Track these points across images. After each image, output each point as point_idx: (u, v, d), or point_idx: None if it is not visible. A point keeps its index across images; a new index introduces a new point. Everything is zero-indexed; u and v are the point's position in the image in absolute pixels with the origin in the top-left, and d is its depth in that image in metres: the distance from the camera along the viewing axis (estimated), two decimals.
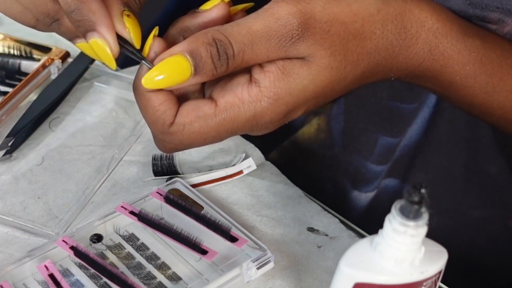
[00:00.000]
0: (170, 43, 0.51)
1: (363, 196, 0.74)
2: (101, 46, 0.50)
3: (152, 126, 0.51)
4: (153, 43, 0.50)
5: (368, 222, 0.72)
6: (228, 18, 0.53)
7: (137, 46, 0.51)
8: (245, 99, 0.50)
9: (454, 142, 0.69)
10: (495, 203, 0.71)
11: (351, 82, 0.52)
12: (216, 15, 0.52)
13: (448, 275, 0.48)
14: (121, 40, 0.51)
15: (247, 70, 0.51)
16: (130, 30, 0.51)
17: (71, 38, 0.52)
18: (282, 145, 0.79)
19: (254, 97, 0.49)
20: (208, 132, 0.50)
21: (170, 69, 0.48)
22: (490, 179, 0.70)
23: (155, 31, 0.51)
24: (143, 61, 0.50)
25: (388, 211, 0.43)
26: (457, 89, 0.56)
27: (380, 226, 0.44)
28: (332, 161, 0.75)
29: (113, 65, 0.51)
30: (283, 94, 0.50)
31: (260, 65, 0.50)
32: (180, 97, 0.53)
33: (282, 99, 0.50)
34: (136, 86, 0.51)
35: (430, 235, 0.43)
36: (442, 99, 0.65)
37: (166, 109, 0.50)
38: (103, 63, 0.52)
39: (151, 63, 0.50)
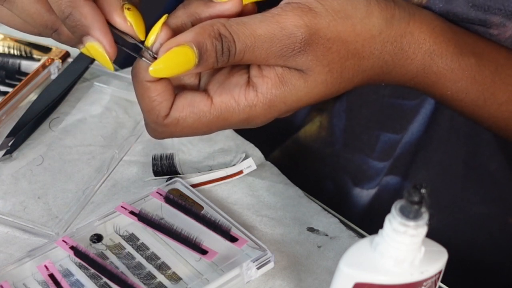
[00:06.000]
0: (178, 26, 0.51)
1: (365, 193, 0.75)
2: (97, 49, 0.50)
3: (146, 114, 0.52)
4: (160, 32, 0.50)
5: (369, 220, 0.72)
6: (240, 13, 0.53)
7: (142, 38, 0.51)
8: (241, 102, 0.51)
9: (454, 138, 0.70)
10: (494, 200, 0.71)
11: (342, 92, 0.54)
12: (230, 9, 0.52)
13: (448, 275, 0.48)
14: (122, 35, 0.51)
15: (246, 68, 0.52)
16: (133, 23, 0.50)
17: (74, 44, 0.52)
18: (284, 144, 0.79)
19: (250, 101, 0.51)
20: (200, 127, 0.52)
21: (176, 59, 0.49)
22: (490, 176, 0.70)
23: (164, 18, 0.51)
24: (143, 59, 0.50)
25: (389, 209, 0.43)
26: (448, 101, 0.58)
27: (381, 225, 0.44)
28: (333, 158, 0.76)
29: (110, 67, 0.51)
30: (278, 102, 0.51)
31: (259, 67, 0.51)
32: (176, 81, 0.53)
33: (276, 106, 0.51)
34: (135, 73, 0.51)
35: (430, 234, 0.43)
36: None
37: (163, 101, 0.51)
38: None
39: (156, 52, 0.50)
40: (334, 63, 0.51)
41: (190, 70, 0.49)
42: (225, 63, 0.49)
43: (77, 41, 0.51)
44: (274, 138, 0.79)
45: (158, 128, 0.52)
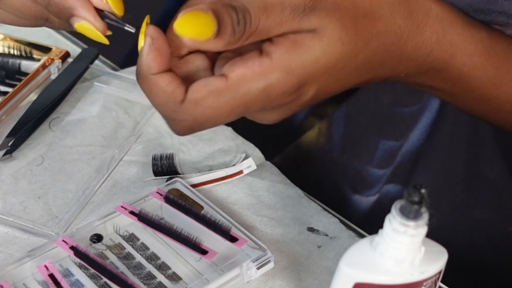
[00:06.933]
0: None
1: (365, 201, 0.74)
2: (86, 28, 0.50)
3: (162, 108, 0.50)
4: (147, 29, 0.49)
5: (369, 227, 0.72)
6: None
7: (120, 14, 0.50)
8: (256, 70, 0.48)
9: (455, 145, 0.69)
10: (494, 206, 0.71)
11: (362, 64, 0.52)
12: None
13: (448, 275, 0.48)
14: (103, 13, 0.51)
15: (257, 47, 0.50)
16: (108, 0, 0.50)
17: (67, 28, 0.52)
18: (285, 150, 0.79)
19: (265, 69, 0.48)
20: (222, 107, 0.49)
21: (197, 20, 0.47)
22: (490, 183, 0.70)
23: (147, 19, 0.50)
24: (125, 27, 0.50)
25: None
26: (466, 82, 0.56)
27: (381, 226, 0.44)
28: (332, 165, 0.75)
29: (104, 40, 0.51)
30: (295, 66, 0.49)
31: (271, 39, 0.49)
32: (187, 78, 0.51)
33: (294, 70, 0.49)
34: (139, 71, 0.49)
35: (430, 234, 0.43)
36: (447, 101, 0.64)
37: (175, 88, 0.49)
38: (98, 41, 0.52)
39: (150, 47, 0.49)
40: (346, 19, 0.49)
41: (209, 40, 0.47)
42: (242, 33, 0.48)
43: (68, 25, 0.51)
44: (276, 144, 0.78)
45: (178, 116, 0.49)
